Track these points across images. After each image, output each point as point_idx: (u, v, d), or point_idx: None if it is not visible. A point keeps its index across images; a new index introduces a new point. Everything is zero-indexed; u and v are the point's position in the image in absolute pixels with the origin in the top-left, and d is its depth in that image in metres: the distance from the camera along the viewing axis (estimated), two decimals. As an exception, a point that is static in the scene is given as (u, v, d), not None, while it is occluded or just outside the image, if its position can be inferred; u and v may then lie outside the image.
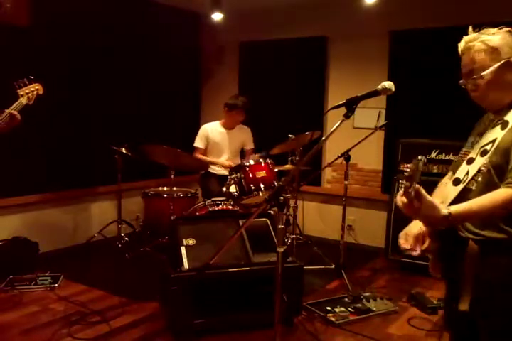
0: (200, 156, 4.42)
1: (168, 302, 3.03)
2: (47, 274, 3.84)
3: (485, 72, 1.65)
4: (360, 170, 5.04)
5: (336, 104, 1.78)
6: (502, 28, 1.68)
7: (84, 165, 4.71)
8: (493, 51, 1.64)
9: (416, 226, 1.77)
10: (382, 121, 4.60)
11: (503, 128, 1.64)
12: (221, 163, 4.34)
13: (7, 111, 2.84)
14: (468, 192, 1.67)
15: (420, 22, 4.45)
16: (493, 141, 1.64)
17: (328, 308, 3.28)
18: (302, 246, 4.42)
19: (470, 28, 1.72)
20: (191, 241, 3.10)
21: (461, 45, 1.71)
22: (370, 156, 4.90)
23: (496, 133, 1.65)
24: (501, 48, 1.64)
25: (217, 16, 4.91)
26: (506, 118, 1.66)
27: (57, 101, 4.44)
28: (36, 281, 3.69)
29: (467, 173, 1.69)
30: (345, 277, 3.84)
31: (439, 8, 4.37)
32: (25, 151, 4.24)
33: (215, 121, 4.58)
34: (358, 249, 4.88)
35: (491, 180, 1.61)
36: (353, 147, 3.89)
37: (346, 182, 4.01)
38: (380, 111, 4.72)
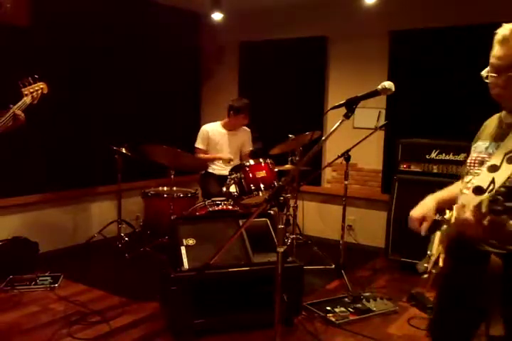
0: (202, 155, 4.42)
1: (168, 302, 3.03)
2: (47, 274, 3.84)
3: None
4: (360, 170, 5.04)
5: (336, 104, 1.78)
6: None
7: (84, 165, 4.71)
8: None
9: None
10: (382, 121, 4.60)
11: None
12: (221, 156, 4.34)
13: (11, 110, 2.84)
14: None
15: (420, 22, 4.45)
16: None
17: (328, 308, 3.28)
18: (302, 246, 4.42)
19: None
20: (191, 241, 3.10)
21: (504, 32, 1.52)
22: (370, 156, 4.90)
23: None
24: None
25: (217, 16, 4.92)
26: None
27: (58, 101, 4.43)
28: (36, 281, 3.69)
29: (493, 181, 1.52)
30: (345, 277, 3.84)
31: (439, 8, 4.37)
32: (25, 151, 4.24)
33: (215, 120, 4.58)
34: (358, 249, 4.88)
35: None
36: (353, 147, 3.89)
37: (346, 182, 4.01)
38: (380, 111, 4.72)
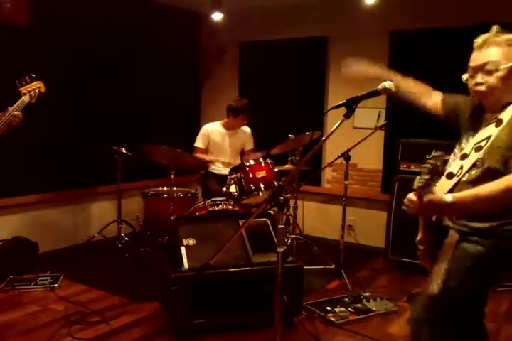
0: (199, 154, 4.42)
1: (168, 302, 3.03)
2: (47, 274, 3.84)
3: (504, 66, 1.71)
4: (360, 170, 5.04)
5: (336, 104, 1.78)
6: None
7: (84, 165, 4.71)
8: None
9: None
10: (382, 121, 4.60)
11: (497, 126, 1.70)
12: (219, 160, 4.34)
13: (10, 110, 2.84)
14: (463, 186, 1.73)
15: (420, 22, 4.45)
16: (488, 138, 1.70)
17: (328, 308, 3.28)
18: (302, 246, 4.42)
19: (494, 28, 1.78)
20: (191, 241, 3.10)
21: (478, 40, 1.78)
22: (370, 156, 4.90)
23: (491, 131, 1.72)
24: None
25: (217, 16, 4.92)
26: (500, 116, 1.71)
27: (57, 101, 4.44)
28: (36, 281, 3.69)
29: (461, 168, 1.76)
30: (345, 277, 3.84)
31: (439, 8, 4.37)
32: (25, 151, 4.24)
33: (215, 120, 4.58)
34: (358, 249, 4.88)
35: (484, 173, 1.68)
36: (353, 147, 3.89)
37: (346, 182, 4.01)
38: (380, 111, 4.72)
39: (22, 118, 2.92)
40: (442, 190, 1.76)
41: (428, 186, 1.57)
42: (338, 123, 1.73)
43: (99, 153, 4.67)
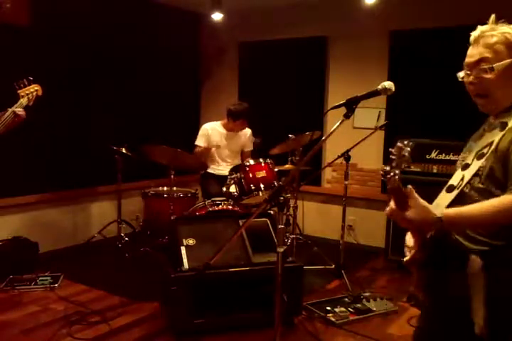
0: (200, 155, 4.41)
1: (168, 302, 3.03)
2: (47, 274, 3.84)
3: (498, 64, 1.54)
4: (360, 170, 5.04)
5: (336, 104, 1.77)
6: None
7: (84, 165, 4.71)
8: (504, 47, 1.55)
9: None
10: (382, 121, 4.60)
11: (501, 130, 1.52)
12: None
13: (10, 110, 2.85)
14: (463, 196, 1.55)
15: (420, 22, 4.45)
16: (491, 144, 1.52)
17: (328, 308, 3.28)
18: (302, 246, 4.41)
19: (492, 18, 1.65)
20: (191, 241, 3.10)
21: (475, 33, 1.62)
22: (370, 156, 4.90)
23: (494, 135, 1.54)
24: None
25: (217, 16, 4.91)
26: (505, 120, 1.54)
27: (57, 101, 4.44)
28: (36, 281, 3.69)
29: (462, 179, 1.58)
30: (345, 277, 3.84)
31: (439, 8, 4.37)
32: (25, 151, 4.24)
33: (215, 120, 4.58)
34: (358, 249, 4.87)
35: (487, 183, 1.50)
36: (353, 147, 3.89)
37: (346, 182, 4.01)
38: (380, 111, 4.72)
39: (25, 116, 2.93)
40: (441, 204, 1.58)
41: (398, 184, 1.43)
42: (338, 123, 1.73)
43: (99, 153, 4.66)
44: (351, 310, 3.31)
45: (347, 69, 5.04)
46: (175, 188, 4.50)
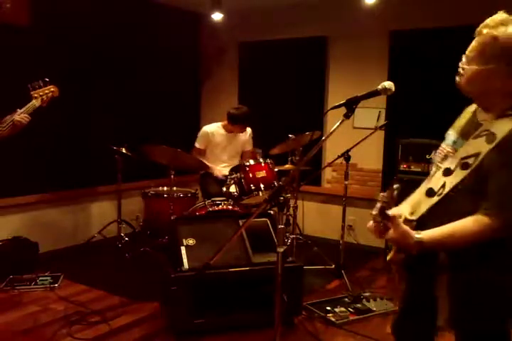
0: (197, 156, 4.42)
1: (168, 302, 3.03)
2: (47, 274, 3.84)
3: (467, 67, 1.54)
4: (360, 170, 5.04)
5: (336, 104, 1.77)
6: None
7: (84, 165, 4.71)
8: (506, 50, 1.49)
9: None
10: (382, 121, 4.60)
11: (488, 142, 1.49)
12: (214, 171, 4.33)
13: (18, 112, 2.82)
14: (444, 205, 1.57)
15: (420, 22, 4.45)
16: (477, 156, 1.50)
17: (328, 308, 3.28)
18: (302, 246, 4.41)
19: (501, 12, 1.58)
20: (191, 241, 3.10)
21: (483, 23, 1.57)
22: (370, 156, 4.90)
23: (481, 146, 1.51)
24: None
25: (217, 16, 4.91)
26: (493, 130, 1.50)
27: (57, 101, 4.43)
28: (36, 281, 3.69)
29: (443, 186, 1.57)
30: (345, 277, 3.84)
31: (439, 8, 4.37)
32: (25, 151, 4.24)
33: (215, 121, 4.58)
34: (358, 249, 4.87)
35: (468, 196, 1.52)
36: (353, 147, 3.89)
37: (346, 182, 4.01)
38: (380, 111, 4.71)
39: (28, 122, 2.89)
40: (421, 208, 1.61)
41: (383, 218, 1.51)
42: (338, 123, 1.73)
43: (99, 153, 4.66)
44: (351, 310, 3.31)
45: (347, 69, 5.04)
46: (175, 188, 4.50)
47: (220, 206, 3.73)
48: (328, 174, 5.25)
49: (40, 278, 3.73)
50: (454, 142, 1.68)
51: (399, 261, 1.67)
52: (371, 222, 1.64)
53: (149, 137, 4.72)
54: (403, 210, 1.67)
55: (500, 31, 1.50)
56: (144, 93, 5.21)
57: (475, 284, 1.54)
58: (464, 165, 1.53)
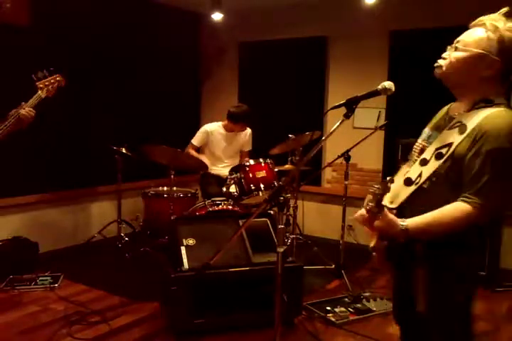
0: (191, 151, 4.42)
1: (168, 302, 3.03)
2: (47, 274, 3.84)
3: (471, 48, 1.62)
4: (360, 170, 5.04)
5: (336, 104, 1.77)
6: None
7: (84, 165, 4.71)
8: (495, 41, 1.59)
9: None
10: (382, 121, 4.60)
11: (460, 133, 1.59)
12: (204, 160, 4.30)
13: (23, 106, 2.74)
14: (421, 193, 1.65)
15: (420, 22, 4.45)
16: (449, 146, 1.59)
17: (328, 308, 3.29)
18: (302, 246, 4.41)
19: (504, 9, 1.66)
20: (191, 241, 3.10)
21: (482, 19, 1.67)
22: (370, 156, 4.90)
23: (453, 137, 1.60)
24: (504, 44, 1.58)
25: (217, 16, 4.91)
26: (465, 121, 1.60)
27: (57, 101, 4.43)
28: (36, 281, 3.69)
29: (420, 175, 1.66)
30: (345, 277, 3.85)
31: (439, 8, 4.37)
32: (25, 151, 4.24)
33: (216, 120, 4.58)
34: (358, 249, 4.86)
35: (444, 185, 1.60)
36: (353, 147, 3.89)
37: (346, 182, 4.01)
38: (380, 111, 4.71)
39: (34, 116, 2.80)
40: (399, 196, 1.69)
41: (379, 210, 1.55)
42: (338, 123, 1.73)
43: (99, 153, 4.66)
44: (351, 310, 3.31)
45: (347, 69, 5.04)
46: (175, 188, 4.50)
47: (220, 206, 3.73)
48: (328, 174, 5.25)
49: (40, 278, 3.73)
50: (429, 136, 1.77)
51: (381, 249, 1.72)
52: (359, 213, 1.71)
53: (149, 137, 4.72)
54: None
55: (502, 24, 1.61)
56: (144, 93, 5.21)
57: (448, 273, 1.63)
58: (438, 155, 1.62)
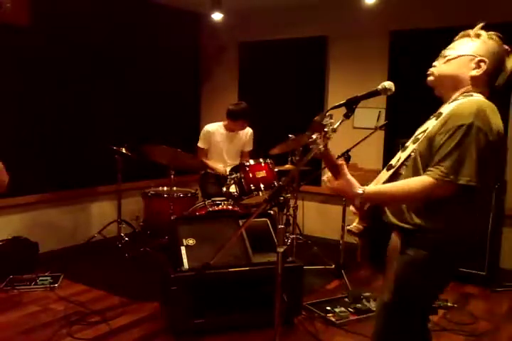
0: (204, 159, 4.41)
1: (168, 302, 3.03)
2: (47, 274, 3.84)
3: (454, 52, 1.76)
4: (360, 170, 5.03)
5: (336, 104, 1.77)
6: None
7: (84, 165, 4.71)
8: (480, 45, 1.73)
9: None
10: (382, 121, 4.60)
11: (436, 119, 1.71)
12: (218, 170, 4.32)
13: None
14: (398, 176, 1.75)
15: (420, 22, 4.45)
16: (425, 130, 1.72)
17: (328, 308, 3.29)
18: (302, 246, 4.41)
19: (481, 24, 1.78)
20: (191, 241, 3.10)
21: (478, 29, 1.78)
22: (370, 156, 4.90)
23: (430, 124, 1.74)
24: (486, 51, 1.73)
25: (217, 16, 4.91)
26: (442, 110, 1.73)
27: (57, 101, 4.45)
28: (36, 281, 3.69)
29: (399, 159, 1.78)
30: (345, 277, 3.84)
31: (439, 8, 4.37)
32: (25, 151, 4.24)
33: (215, 121, 4.58)
34: (358, 249, 4.86)
35: (416, 165, 1.69)
36: (353, 147, 3.89)
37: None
38: (380, 111, 4.71)
39: None
40: (380, 180, 1.80)
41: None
42: (338, 123, 1.73)
43: (99, 153, 4.66)
44: (351, 310, 3.31)
45: (347, 69, 5.04)
46: (175, 188, 4.50)
47: (220, 206, 3.73)
48: (328, 174, 5.23)
49: (40, 278, 3.73)
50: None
51: (357, 232, 1.84)
52: (326, 176, 1.78)
53: (149, 137, 4.72)
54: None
55: (483, 32, 1.77)
56: (144, 93, 5.21)
57: (415, 262, 1.69)
58: (415, 141, 1.77)
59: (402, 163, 1.75)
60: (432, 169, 1.59)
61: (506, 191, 4.02)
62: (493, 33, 1.77)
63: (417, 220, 1.66)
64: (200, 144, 4.46)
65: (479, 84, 1.74)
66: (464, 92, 1.74)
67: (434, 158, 1.61)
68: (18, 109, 4.12)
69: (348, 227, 1.84)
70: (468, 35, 1.77)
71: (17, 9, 4.06)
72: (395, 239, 1.75)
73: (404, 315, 1.78)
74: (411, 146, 1.76)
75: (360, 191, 1.64)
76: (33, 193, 4.37)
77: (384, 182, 1.76)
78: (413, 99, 4.52)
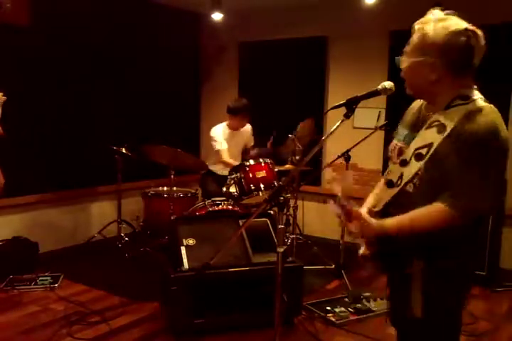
0: (230, 161, 4.22)
1: (168, 302, 3.03)
2: (47, 274, 3.84)
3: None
4: (360, 170, 5.04)
5: (336, 104, 1.77)
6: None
7: (84, 165, 4.71)
8: (424, 43, 1.62)
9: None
10: (382, 121, 4.60)
11: (439, 132, 1.55)
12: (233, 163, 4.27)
13: None
14: (406, 195, 1.64)
15: (420, 22, 4.44)
16: (429, 146, 1.56)
17: (328, 308, 3.29)
18: (302, 246, 4.41)
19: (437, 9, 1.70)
20: (191, 241, 3.10)
21: (414, 24, 1.70)
22: (370, 156, 4.90)
23: (432, 137, 1.57)
24: (446, 47, 1.58)
25: (217, 16, 4.91)
26: (443, 120, 1.56)
27: (57, 101, 4.45)
28: (36, 281, 3.69)
29: (401, 177, 1.65)
30: (345, 277, 3.84)
31: (439, 8, 4.37)
32: (25, 151, 4.25)
33: (214, 121, 4.57)
34: (358, 249, 4.86)
35: (428, 187, 1.57)
36: (353, 147, 3.89)
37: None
38: (380, 111, 4.71)
39: None
40: (383, 199, 1.70)
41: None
42: (338, 123, 1.73)
43: (99, 153, 4.66)
44: (351, 310, 3.31)
45: (347, 69, 5.04)
46: (175, 188, 4.50)
47: (220, 206, 3.73)
48: (328, 174, 5.25)
49: (40, 278, 3.73)
50: (405, 137, 1.73)
51: (368, 256, 1.81)
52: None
53: (149, 137, 4.72)
54: (366, 205, 1.85)
55: (431, 27, 1.64)
56: (144, 93, 5.21)
57: (438, 279, 1.62)
58: (417, 156, 1.60)
59: (409, 182, 1.62)
60: (450, 198, 1.49)
61: (506, 191, 4.02)
62: (442, 16, 1.70)
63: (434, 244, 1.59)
64: (219, 146, 4.26)
65: (450, 80, 1.58)
66: (458, 95, 1.58)
67: (450, 183, 1.50)
68: (18, 109, 4.12)
69: (361, 253, 1.81)
70: (414, 31, 1.67)
71: (17, 9, 4.06)
72: (416, 265, 1.67)
73: (442, 331, 1.70)
74: (414, 163, 1.60)
75: (379, 225, 1.62)
76: (33, 193, 4.37)
77: (389, 202, 1.69)
78: (413, 99, 4.52)
